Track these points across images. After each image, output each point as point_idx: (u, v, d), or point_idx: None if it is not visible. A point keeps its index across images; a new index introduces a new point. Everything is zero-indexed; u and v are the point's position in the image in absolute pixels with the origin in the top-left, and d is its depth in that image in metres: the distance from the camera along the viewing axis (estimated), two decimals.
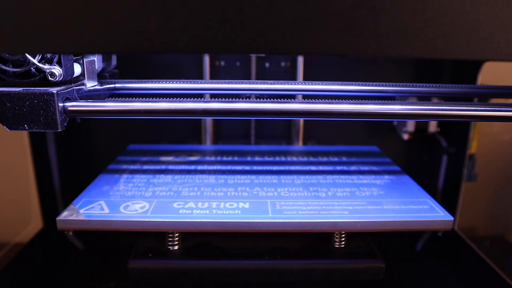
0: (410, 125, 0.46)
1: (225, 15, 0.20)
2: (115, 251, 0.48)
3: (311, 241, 0.33)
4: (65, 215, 0.29)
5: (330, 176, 0.37)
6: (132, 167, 0.38)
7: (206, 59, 0.43)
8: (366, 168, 0.40)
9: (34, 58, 0.25)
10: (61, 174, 0.48)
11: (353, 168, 0.40)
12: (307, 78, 0.45)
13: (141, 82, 0.34)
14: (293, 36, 0.21)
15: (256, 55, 0.43)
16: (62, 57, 0.26)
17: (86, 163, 0.49)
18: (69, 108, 0.25)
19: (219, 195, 0.32)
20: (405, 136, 0.47)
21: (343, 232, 0.32)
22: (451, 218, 0.30)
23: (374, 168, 0.40)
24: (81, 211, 0.29)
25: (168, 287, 0.37)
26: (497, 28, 0.21)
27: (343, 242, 0.32)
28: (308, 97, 0.38)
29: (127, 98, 0.28)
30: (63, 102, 0.25)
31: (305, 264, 0.31)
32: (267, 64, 0.45)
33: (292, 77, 0.45)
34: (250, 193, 0.33)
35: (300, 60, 0.44)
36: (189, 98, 0.28)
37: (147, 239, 0.32)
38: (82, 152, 0.49)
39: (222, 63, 0.45)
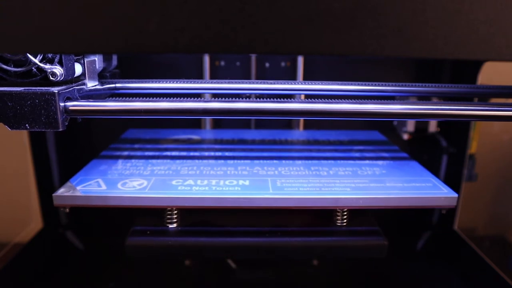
0: (410, 125, 0.46)
1: (225, 15, 0.20)
2: (115, 251, 0.48)
3: (312, 219, 0.33)
4: (61, 191, 0.28)
5: (332, 155, 0.36)
6: (131, 148, 0.38)
7: (206, 59, 0.43)
8: (368, 148, 0.39)
9: (35, 58, 0.25)
10: (61, 174, 0.48)
11: (355, 148, 0.39)
12: (307, 78, 0.45)
13: (142, 82, 0.34)
14: (293, 36, 0.21)
15: (256, 55, 0.43)
16: (63, 57, 0.26)
17: (86, 163, 0.49)
18: (70, 108, 0.25)
19: (219, 173, 0.32)
20: (405, 136, 0.47)
21: (345, 210, 0.31)
22: (455, 195, 0.29)
23: (376, 148, 0.39)
24: (78, 187, 0.29)
25: (166, 264, 0.36)
26: (497, 28, 0.21)
27: (345, 220, 0.31)
28: (308, 96, 0.38)
29: (127, 98, 0.28)
30: (64, 102, 0.25)
31: (306, 242, 0.30)
32: (267, 64, 0.45)
33: (292, 77, 0.45)
34: (250, 172, 0.32)
35: (300, 60, 0.44)
36: (189, 98, 0.28)
37: (145, 218, 0.32)
38: (82, 152, 0.49)
39: (222, 63, 0.45)
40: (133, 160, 0.35)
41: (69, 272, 0.44)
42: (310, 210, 0.33)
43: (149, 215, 0.32)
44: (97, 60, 0.31)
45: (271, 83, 0.34)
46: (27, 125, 0.24)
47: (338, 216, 0.31)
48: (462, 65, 0.45)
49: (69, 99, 0.26)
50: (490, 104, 0.28)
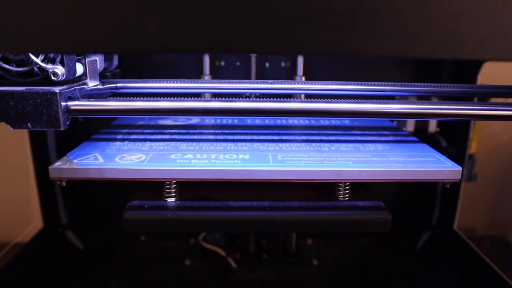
0: (410, 125, 0.46)
1: (225, 15, 0.20)
2: (115, 251, 0.48)
3: (314, 193, 0.32)
4: (58, 164, 0.28)
5: (334, 132, 0.36)
6: (127, 131, 0.37)
7: (206, 59, 0.43)
8: (370, 125, 0.39)
9: (37, 58, 0.25)
10: None
11: (356, 124, 0.39)
12: (307, 78, 0.45)
13: (142, 82, 0.34)
14: (293, 36, 0.21)
15: (256, 55, 0.43)
16: (64, 57, 0.26)
17: None
18: (72, 107, 0.26)
19: (218, 149, 0.31)
20: None
21: (347, 183, 0.30)
22: (459, 168, 0.28)
23: (378, 126, 0.39)
24: (75, 161, 0.28)
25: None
26: (496, 28, 0.21)
27: (347, 195, 0.31)
28: (308, 96, 0.38)
29: (128, 97, 0.28)
30: (66, 101, 0.25)
31: (307, 216, 0.29)
32: (267, 64, 0.45)
33: (292, 77, 0.45)
34: (250, 147, 0.32)
35: (300, 60, 0.44)
36: (190, 98, 0.28)
37: (143, 192, 0.31)
38: None
39: (222, 63, 0.45)
40: (131, 136, 0.34)
41: (69, 272, 0.44)
42: (311, 184, 0.33)
43: (148, 191, 0.31)
44: (98, 60, 0.31)
45: (271, 83, 0.34)
46: (29, 124, 0.24)
47: (340, 190, 0.31)
48: (462, 65, 0.45)
49: (70, 98, 0.26)
50: (490, 104, 0.28)
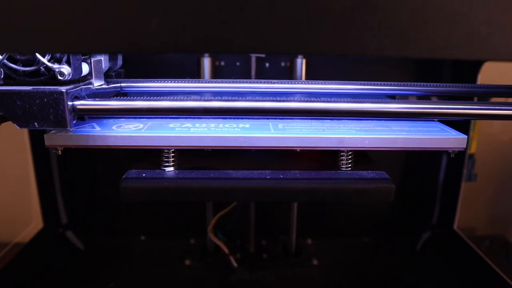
0: None
1: (225, 15, 0.20)
2: (115, 251, 0.48)
3: (315, 163, 0.31)
4: (53, 131, 0.27)
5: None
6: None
7: (206, 59, 0.43)
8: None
9: (44, 57, 0.25)
10: (62, 174, 0.48)
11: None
12: (307, 78, 0.45)
13: (146, 81, 0.34)
14: (293, 36, 0.21)
15: (256, 55, 0.43)
16: (71, 57, 0.26)
17: (87, 162, 0.49)
18: (78, 107, 0.25)
19: (218, 120, 0.31)
20: None
21: (350, 152, 0.30)
22: (464, 136, 0.28)
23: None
24: (71, 129, 0.28)
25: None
26: (496, 28, 0.21)
27: (349, 165, 0.30)
28: (309, 96, 0.38)
29: (131, 97, 0.28)
30: (72, 101, 0.25)
31: (309, 184, 0.29)
32: (267, 64, 0.45)
33: (292, 77, 0.45)
34: (250, 119, 0.31)
35: (300, 60, 0.44)
36: (190, 97, 0.28)
37: (142, 163, 0.31)
38: (83, 152, 0.49)
39: (222, 63, 0.45)
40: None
41: (69, 272, 0.44)
42: (312, 153, 0.32)
43: (146, 162, 0.31)
44: (103, 60, 0.31)
45: (271, 83, 0.34)
46: (35, 123, 0.24)
47: (342, 159, 0.30)
48: (462, 65, 0.45)
49: (76, 98, 0.26)
50: (490, 104, 0.28)
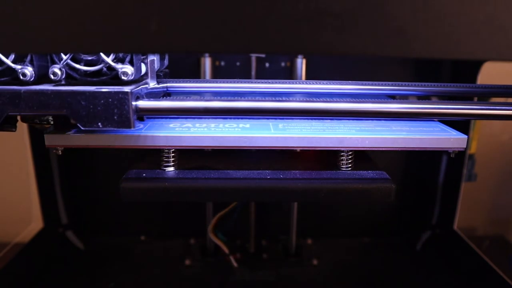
0: None
1: (225, 15, 0.20)
2: (115, 251, 0.48)
3: (315, 163, 0.31)
4: (53, 131, 0.27)
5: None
6: None
7: (207, 59, 0.43)
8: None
9: (107, 57, 0.25)
10: (62, 174, 0.48)
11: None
12: (307, 78, 0.45)
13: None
14: (293, 36, 0.21)
15: (256, 55, 0.43)
16: (134, 57, 0.26)
17: (87, 162, 0.49)
18: (140, 107, 0.25)
19: (218, 120, 0.31)
20: None
21: (350, 152, 0.30)
22: (465, 136, 0.28)
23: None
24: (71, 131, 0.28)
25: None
26: (497, 28, 0.21)
27: (349, 165, 0.30)
28: (309, 96, 0.38)
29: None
30: (135, 101, 0.25)
31: (309, 184, 0.29)
32: (267, 64, 0.45)
33: (292, 77, 0.45)
34: (250, 120, 0.31)
35: (300, 60, 0.44)
36: (191, 97, 0.28)
37: (142, 163, 0.31)
38: (83, 152, 0.49)
39: (222, 63, 0.45)
40: None
41: (69, 272, 0.44)
42: (312, 153, 0.32)
43: (146, 162, 0.31)
44: (156, 60, 0.31)
45: (271, 83, 0.34)
46: (99, 124, 0.24)
47: (342, 160, 0.30)
48: (462, 65, 0.45)
49: (138, 98, 0.26)
50: (490, 104, 0.28)
